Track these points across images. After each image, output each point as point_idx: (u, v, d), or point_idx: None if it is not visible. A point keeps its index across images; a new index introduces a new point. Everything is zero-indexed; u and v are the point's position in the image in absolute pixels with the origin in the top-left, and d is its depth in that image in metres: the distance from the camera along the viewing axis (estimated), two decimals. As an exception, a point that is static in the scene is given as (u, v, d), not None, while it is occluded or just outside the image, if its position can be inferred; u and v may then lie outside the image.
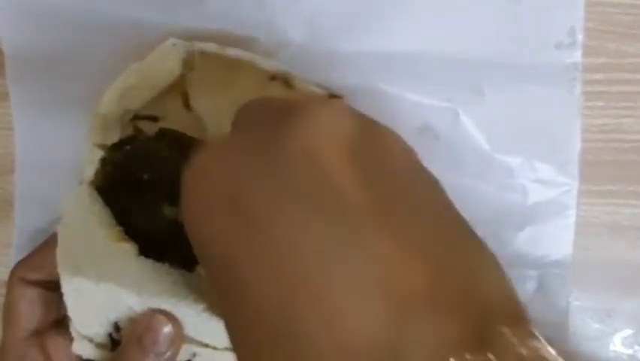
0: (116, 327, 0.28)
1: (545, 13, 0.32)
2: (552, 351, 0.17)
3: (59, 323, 0.30)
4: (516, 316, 0.18)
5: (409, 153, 0.21)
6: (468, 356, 0.15)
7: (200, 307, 0.27)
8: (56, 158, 0.33)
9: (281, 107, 0.20)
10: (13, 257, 0.33)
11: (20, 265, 0.30)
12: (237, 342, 0.18)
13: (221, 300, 0.19)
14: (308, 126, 0.19)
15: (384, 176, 0.19)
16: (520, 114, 0.32)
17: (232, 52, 0.31)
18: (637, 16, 0.33)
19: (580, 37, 0.32)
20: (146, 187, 0.30)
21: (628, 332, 0.34)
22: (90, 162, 0.30)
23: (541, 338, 0.18)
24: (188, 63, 0.31)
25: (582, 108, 0.32)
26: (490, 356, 0.16)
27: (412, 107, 0.32)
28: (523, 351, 0.16)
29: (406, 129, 0.33)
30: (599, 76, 0.33)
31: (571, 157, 0.33)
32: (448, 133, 0.32)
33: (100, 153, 0.30)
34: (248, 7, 0.32)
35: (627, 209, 0.34)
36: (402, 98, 0.32)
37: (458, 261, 0.18)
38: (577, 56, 0.32)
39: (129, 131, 0.31)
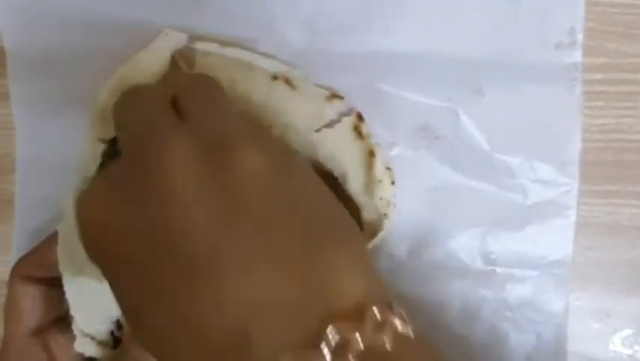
0: (118, 325, 0.28)
1: (545, 13, 0.32)
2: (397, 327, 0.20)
3: (61, 320, 0.30)
4: (357, 307, 0.20)
5: (271, 166, 0.23)
6: (299, 353, 0.19)
7: None
8: (56, 158, 0.33)
9: (138, 143, 0.23)
10: (13, 257, 0.33)
11: (22, 262, 0.30)
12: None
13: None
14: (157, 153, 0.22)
15: (233, 199, 0.21)
16: (520, 114, 0.32)
17: (233, 52, 0.31)
18: (637, 16, 0.33)
19: (580, 37, 0.32)
20: None
21: (628, 332, 0.34)
22: (92, 156, 0.30)
23: (392, 318, 0.20)
24: (189, 62, 0.31)
25: (582, 108, 0.32)
26: (321, 351, 0.19)
27: (412, 107, 0.32)
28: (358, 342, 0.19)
29: (405, 129, 0.33)
30: (599, 76, 0.33)
31: (571, 157, 0.33)
32: (448, 133, 0.32)
33: (102, 147, 0.30)
34: (247, 7, 0.32)
35: (627, 209, 0.34)
36: (402, 98, 0.32)
37: (310, 270, 0.21)
38: (577, 56, 0.32)
39: None
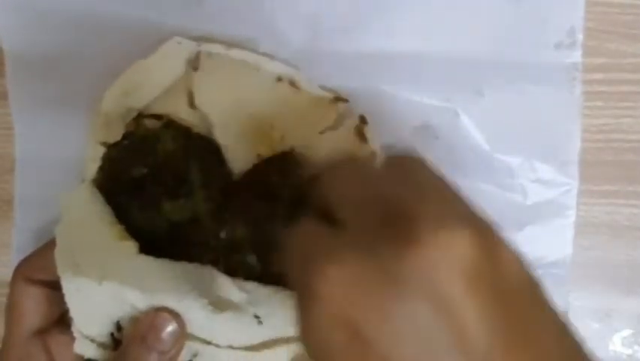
0: (118, 326, 0.28)
1: (545, 13, 0.32)
2: None
3: (62, 321, 0.30)
4: None
5: (524, 269, 0.21)
6: None
7: (205, 301, 0.27)
8: (56, 158, 0.33)
9: (396, 214, 0.20)
10: (13, 257, 0.33)
11: (24, 264, 0.30)
12: None
13: None
14: (429, 259, 0.19)
15: (505, 304, 0.19)
16: (520, 114, 0.32)
17: (238, 53, 0.31)
18: (637, 16, 0.33)
19: (580, 37, 0.32)
20: (145, 182, 0.30)
21: (627, 332, 0.34)
22: (93, 159, 0.30)
23: None
24: (194, 63, 0.31)
25: (582, 108, 0.32)
26: None
27: (412, 107, 0.32)
28: None
29: (406, 129, 0.33)
30: (598, 76, 0.33)
31: (571, 157, 0.33)
32: (448, 133, 0.32)
33: (103, 151, 0.30)
34: (248, 7, 0.32)
35: (627, 209, 0.34)
36: (402, 98, 0.32)
37: None
38: (577, 56, 0.32)
39: (133, 129, 0.31)
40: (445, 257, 0.18)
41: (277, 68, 0.31)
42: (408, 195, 0.21)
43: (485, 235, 0.20)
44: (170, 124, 0.31)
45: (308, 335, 0.20)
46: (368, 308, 0.19)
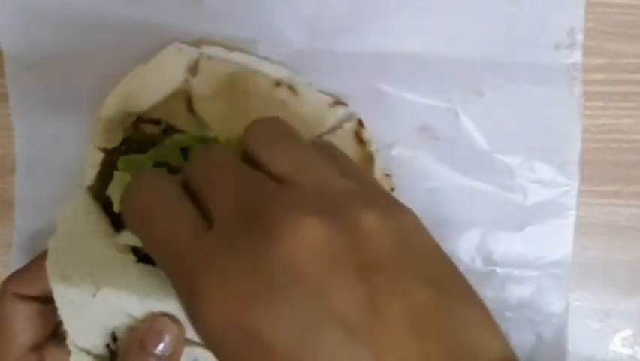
0: (114, 337, 0.28)
1: (545, 13, 0.32)
2: None
3: (57, 334, 0.30)
4: None
5: (388, 238, 0.21)
6: None
7: None
8: (56, 158, 0.33)
9: (256, 210, 0.21)
10: (13, 257, 0.33)
11: (13, 279, 0.29)
12: None
13: None
14: (287, 248, 0.20)
15: (368, 275, 0.20)
16: (520, 114, 0.32)
17: (238, 57, 0.31)
18: (637, 16, 0.33)
19: (580, 37, 0.32)
20: None
21: (628, 332, 0.34)
22: (91, 165, 0.30)
23: None
24: (193, 69, 0.31)
25: (582, 108, 0.32)
26: None
27: (412, 107, 0.32)
28: None
29: (406, 129, 0.33)
30: (598, 76, 0.33)
31: (571, 157, 0.33)
32: (448, 133, 0.32)
33: (101, 156, 0.30)
34: (248, 8, 0.32)
35: (627, 209, 0.34)
36: (402, 98, 0.32)
37: (454, 333, 0.20)
38: (577, 57, 0.32)
39: (131, 134, 0.31)
40: (300, 243, 0.20)
41: (276, 72, 0.31)
42: (266, 190, 0.22)
43: (336, 216, 0.21)
44: (168, 129, 0.31)
45: (205, 340, 0.21)
46: (251, 309, 0.20)
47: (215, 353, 0.21)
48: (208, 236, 0.21)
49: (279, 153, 0.23)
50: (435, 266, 0.22)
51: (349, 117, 0.31)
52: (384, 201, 0.23)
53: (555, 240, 0.33)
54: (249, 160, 0.23)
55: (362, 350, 0.19)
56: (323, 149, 0.25)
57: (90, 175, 0.30)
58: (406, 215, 0.22)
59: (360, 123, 0.31)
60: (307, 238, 0.20)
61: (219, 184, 0.22)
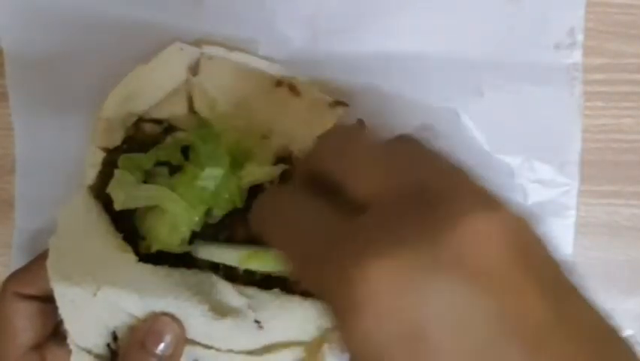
0: (114, 336, 0.28)
1: (545, 13, 0.32)
2: None
3: (57, 334, 0.30)
4: None
5: (542, 242, 0.21)
6: None
7: (205, 307, 0.27)
8: (56, 158, 0.33)
9: (427, 195, 0.19)
10: (13, 257, 0.33)
11: (13, 279, 0.29)
12: None
13: None
14: (473, 238, 0.18)
15: (545, 281, 0.19)
16: (521, 114, 0.32)
17: (239, 56, 0.31)
18: (637, 16, 0.33)
19: (580, 37, 0.32)
20: None
21: (628, 332, 0.34)
22: (92, 164, 0.30)
23: None
24: (194, 68, 0.31)
25: (582, 108, 0.32)
26: None
27: (412, 107, 0.32)
28: None
29: (405, 129, 0.33)
30: (599, 76, 0.33)
31: (571, 157, 0.33)
32: (448, 133, 0.32)
33: (102, 156, 0.30)
34: (248, 8, 0.32)
35: (627, 209, 0.34)
36: (402, 98, 0.32)
37: (612, 350, 0.19)
38: (577, 57, 0.32)
39: (132, 134, 0.31)
40: (488, 234, 0.18)
41: (277, 71, 0.31)
42: (431, 176, 0.20)
43: (516, 214, 0.19)
44: (169, 129, 0.31)
45: (359, 346, 0.18)
46: (420, 304, 0.17)
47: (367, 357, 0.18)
48: (360, 219, 0.19)
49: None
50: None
51: (350, 117, 0.31)
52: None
53: (555, 240, 0.33)
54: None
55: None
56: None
57: (91, 174, 0.30)
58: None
59: (361, 123, 0.31)
60: (493, 236, 0.18)
61: (363, 167, 0.20)
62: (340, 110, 0.31)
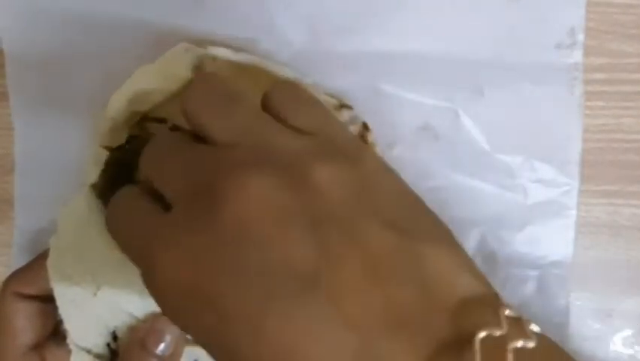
0: (114, 336, 0.28)
1: (546, 13, 0.32)
2: (531, 328, 0.20)
3: (57, 334, 0.30)
4: (483, 304, 0.20)
5: (345, 177, 0.21)
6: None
7: None
8: (56, 158, 0.33)
9: (208, 168, 0.21)
10: (13, 257, 0.33)
11: (13, 279, 0.29)
12: None
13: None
14: (236, 207, 0.20)
15: (322, 226, 0.20)
16: (521, 114, 0.32)
17: (244, 57, 0.31)
18: (637, 16, 0.33)
19: (581, 37, 0.32)
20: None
21: (628, 332, 0.34)
22: (95, 163, 0.30)
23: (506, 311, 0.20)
24: (199, 67, 0.31)
25: (583, 108, 0.32)
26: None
27: (412, 107, 0.32)
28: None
29: (405, 129, 0.33)
30: (599, 76, 0.33)
31: (571, 157, 0.33)
32: (448, 133, 0.32)
33: (106, 154, 0.30)
34: (248, 7, 0.32)
35: (627, 209, 0.34)
36: (402, 98, 0.32)
37: (417, 274, 0.20)
38: (577, 56, 0.32)
39: (136, 133, 0.31)
40: (245, 200, 0.20)
41: (282, 73, 0.31)
42: (208, 159, 0.22)
43: (281, 172, 0.21)
44: (174, 129, 0.31)
45: (161, 307, 0.21)
46: (199, 268, 0.20)
47: (171, 319, 0.21)
48: (163, 216, 0.22)
49: (219, 118, 0.23)
50: (397, 209, 0.21)
51: (354, 120, 0.31)
52: (341, 153, 0.22)
53: (555, 240, 0.33)
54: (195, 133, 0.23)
55: (320, 302, 0.19)
56: (280, 96, 0.24)
57: (94, 173, 0.30)
58: (365, 162, 0.22)
59: (365, 126, 0.31)
60: (252, 194, 0.20)
61: (166, 167, 0.23)
62: (346, 112, 0.31)
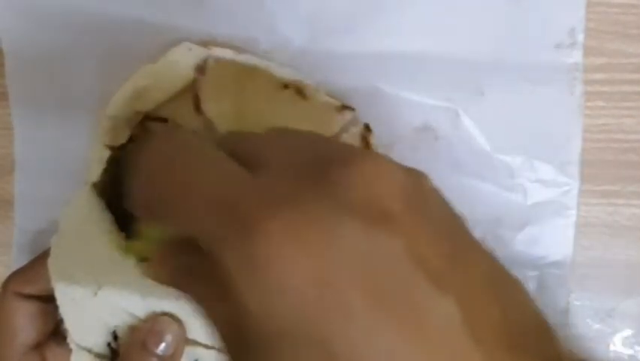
0: (115, 336, 0.28)
1: (546, 13, 0.32)
2: None
3: (58, 333, 0.30)
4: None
5: (440, 193, 0.21)
6: None
7: None
8: (56, 158, 0.33)
9: (321, 158, 0.19)
10: (13, 257, 0.33)
11: (14, 278, 0.29)
12: None
13: None
14: (365, 178, 0.18)
15: (441, 226, 0.20)
16: (521, 114, 0.32)
17: (247, 58, 0.31)
18: (637, 16, 0.33)
19: (580, 37, 0.32)
20: None
21: (628, 332, 0.34)
22: (98, 161, 0.30)
23: None
24: (201, 67, 0.31)
25: (583, 108, 0.32)
26: None
27: (412, 107, 0.32)
28: None
29: (406, 129, 0.33)
30: (599, 76, 0.33)
31: (571, 157, 0.33)
32: (448, 133, 0.32)
33: (108, 153, 0.30)
34: (247, 7, 0.32)
35: (627, 209, 0.34)
36: (402, 98, 0.32)
37: (510, 295, 0.20)
38: (577, 56, 0.32)
39: (138, 132, 0.31)
40: (378, 174, 0.18)
41: (285, 74, 0.31)
42: (325, 149, 0.20)
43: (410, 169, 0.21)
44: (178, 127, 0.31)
45: (266, 307, 0.17)
46: (325, 251, 0.17)
47: (275, 317, 0.17)
48: (259, 176, 0.19)
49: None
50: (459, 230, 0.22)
51: (356, 122, 0.31)
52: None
53: (555, 240, 0.33)
54: None
55: (446, 297, 0.18)
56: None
57: (96, 172, 0.30)
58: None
59: (367, 128, 0.31)
60: (388, 179, 0.19)
61: (268, 141, 0.21)
62: (347, 114, 0.31)
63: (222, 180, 0.19)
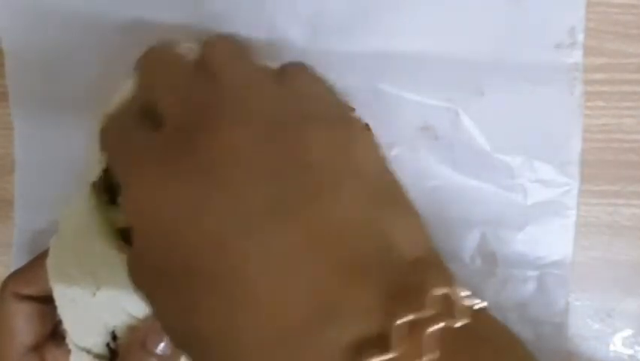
0: (114, 336, 0.28)
1: (546, 13, 0.32)
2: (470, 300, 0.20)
3: (56, 334, 0.30)
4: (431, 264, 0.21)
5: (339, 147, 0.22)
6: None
7: None
8: (56, 158, 0.33)
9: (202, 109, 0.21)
10: (13, 257, 0.33)
11: (13, 279, 0.29)
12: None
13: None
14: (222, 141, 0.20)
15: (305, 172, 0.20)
16: (521, 114, 0.32)
17: None
18: (637, 16, 0.33)
19: (580, 37, 0.32)
20: None
21: (628, 332, 0.34)
22: (99, 161, 0.30)
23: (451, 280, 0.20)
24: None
25: (583, 108, 0.32)
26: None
27: (412, 107, 0.32)
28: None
29: (406, 129, 0.33)
30: (599, 76, 0.33)
31: (571, 157, 0.33)
32: (448, 133, 0.32)
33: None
34: (248, 7, 0.32)
35: (627, 209, 0.34)
36: (402, 98, 0.32)
37: (372, 226, 0.20)
38: (577, 56, 0.32)
39: None
40: (240, 134, 0.20)
41: None
42: (207, 90, 0.22)
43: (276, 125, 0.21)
44: None
45: (133, 222, 0.21)
46: (190, 188, 0.19)
47: (142, 231, 0.21)
48: (154, 134, 0.21)
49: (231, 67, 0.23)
50: (377, 181, 0.22)
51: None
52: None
53: (555, 240, 0.33)
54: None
55: (291, 226, 0.19)
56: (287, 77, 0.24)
57: (96, 171, 0.30)
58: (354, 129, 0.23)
59: (367, 128, 0.31)
60: (247, 131, 0.20)
61: (168, 85, 0.23)
62: None
63: (129, 138, 0.23)
